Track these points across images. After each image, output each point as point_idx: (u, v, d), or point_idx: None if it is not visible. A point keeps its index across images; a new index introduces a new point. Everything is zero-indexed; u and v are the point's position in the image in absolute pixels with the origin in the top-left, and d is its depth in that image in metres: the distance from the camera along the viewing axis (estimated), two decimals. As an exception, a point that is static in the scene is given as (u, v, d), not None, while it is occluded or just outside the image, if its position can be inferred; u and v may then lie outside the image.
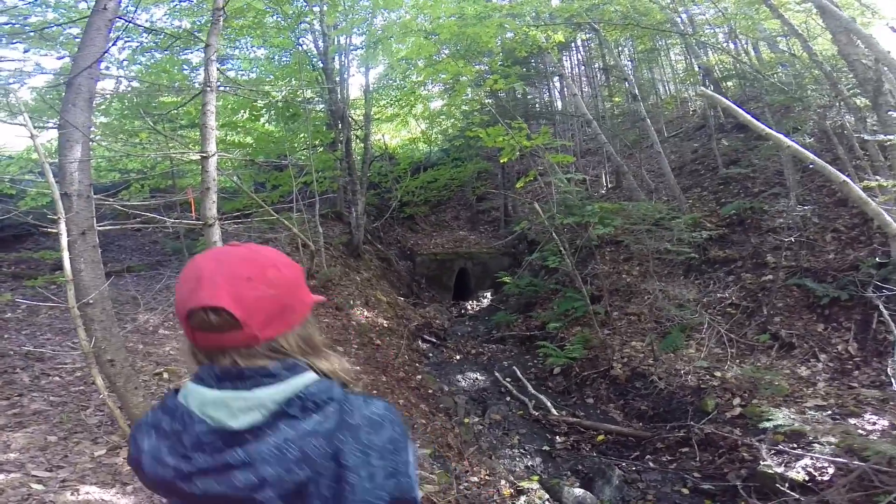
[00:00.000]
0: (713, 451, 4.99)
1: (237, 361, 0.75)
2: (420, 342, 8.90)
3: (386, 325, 7.89)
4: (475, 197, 15.69)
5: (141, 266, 8.97)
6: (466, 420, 5.83)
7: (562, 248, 8.24)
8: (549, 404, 5.89)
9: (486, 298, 12.01)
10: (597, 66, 14.55)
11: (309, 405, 0.72)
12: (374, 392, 5.48)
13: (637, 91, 10.47)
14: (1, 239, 8.34)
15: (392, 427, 0.75)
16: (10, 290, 6.25)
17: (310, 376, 0.77)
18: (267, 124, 12.05)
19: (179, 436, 0.73)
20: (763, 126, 3.07)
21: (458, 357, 7.78)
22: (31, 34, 6.80)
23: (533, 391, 6.26)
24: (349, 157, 11.18)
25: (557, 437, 5.43)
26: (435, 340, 9.11)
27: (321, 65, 11.50)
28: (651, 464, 5.05)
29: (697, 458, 4.96)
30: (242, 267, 0.76)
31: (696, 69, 12.34)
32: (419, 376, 6.63)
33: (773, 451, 4.35)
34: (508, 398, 6.38)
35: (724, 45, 11.72)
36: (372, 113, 12.78)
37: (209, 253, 0.80)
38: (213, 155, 3.56)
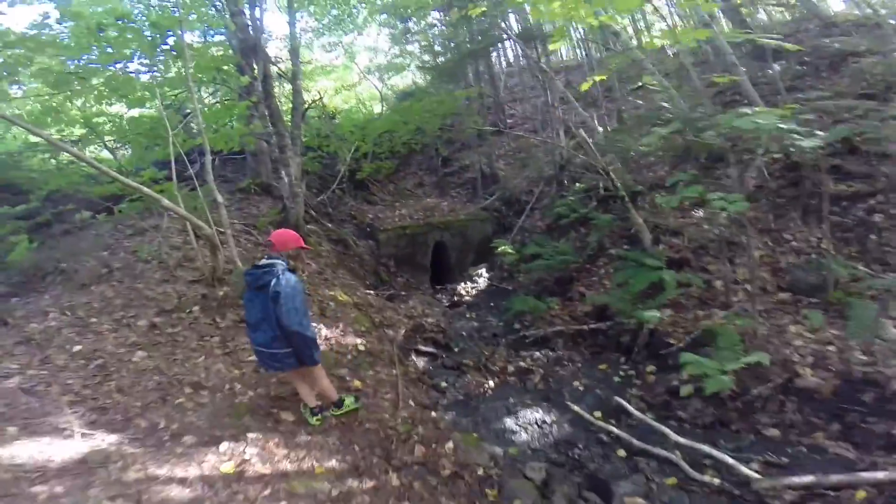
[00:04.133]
0: None
1: (271, 255, 3.11)
2: (414, 356, 5.56)
3: (362, 348, 4.46)
4: (440, 158, 12.25)
5: None
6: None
7: (625, 196, 5.16)
8: (729, 460, 2.86)
9: (482, 277, 8.80)
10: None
11: (271, 267, 2.97)
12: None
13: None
14: None
15: (287, 285, 2.91)
16: None
17: (280, 262, 3.02)
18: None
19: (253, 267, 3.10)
20: None
21: (490, 383, 4.53)
22: None
23: (678, 438, 3.19)
24: (269, 101, 7.28)
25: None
26: (435, 350, 5.81)
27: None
28: None
29: None
30: (278, 233, 3.23)
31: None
32: (449, 444, 3.33)
33: None
34: (621, 451, 3.29)
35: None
36: (300, 48, 8.82)
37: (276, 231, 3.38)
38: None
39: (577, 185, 7.70)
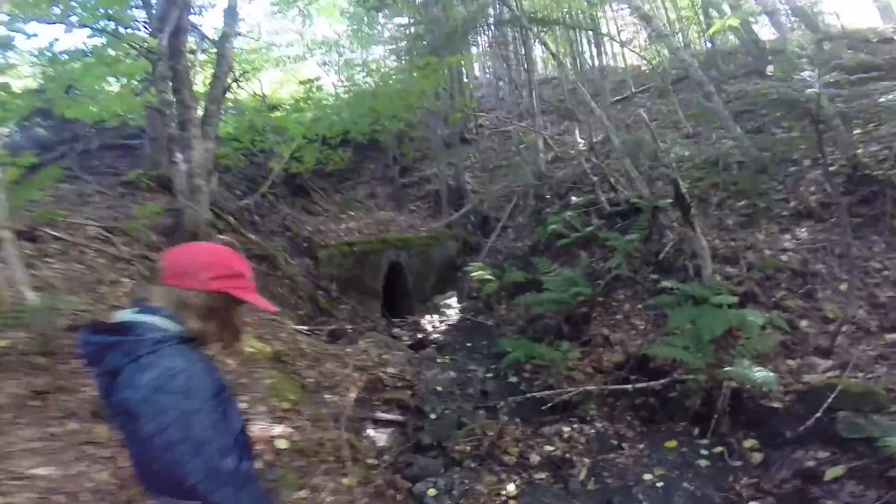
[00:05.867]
0: None
1: (142, 300, 1.15)
2: (372, 430, 3.63)
3: (286, 444, 2.47)
4: (399, 168, 10.54)
5: None
6: None
7: (686, 204, 3.74)
8: None
9: (451, 308, 7.05)
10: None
11: (129, 331, 1.05)
12: None
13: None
14: None
15: (164, 388, 0.99)
16: None
17: (159, 321, 1.07)
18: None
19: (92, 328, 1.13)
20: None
21: (509, 486, 2.70)
22: None
23: None
24: (177, 61, 5.24)
25: None
26: (401, 418, 3.91)
27: None
28: None
29: None
30: (182, 251, 1.15)
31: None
32: None
33: None
34: None
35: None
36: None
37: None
38: None
39: (574, 199, 6.33)
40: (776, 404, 2.94)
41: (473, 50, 14.34)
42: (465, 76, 11.82)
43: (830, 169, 4.51)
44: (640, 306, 4.36)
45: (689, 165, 5.66)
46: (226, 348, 1.21)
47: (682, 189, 3.66)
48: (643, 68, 11.00)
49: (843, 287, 3.64)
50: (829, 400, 2.63)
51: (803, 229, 4.11)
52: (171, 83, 5.22)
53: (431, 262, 8.44)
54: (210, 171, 5.85)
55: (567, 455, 2.95)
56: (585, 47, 11.63)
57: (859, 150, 4.16)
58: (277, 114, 9.90)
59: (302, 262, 7.55)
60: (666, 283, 3.74)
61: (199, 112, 5.86)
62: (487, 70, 14.62)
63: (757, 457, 2.79)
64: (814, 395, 2.87)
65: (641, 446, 2.99)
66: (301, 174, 9.49)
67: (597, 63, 10.74)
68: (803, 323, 3.50)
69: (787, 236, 4.12)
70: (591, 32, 10.17)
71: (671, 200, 4.75)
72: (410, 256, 8.29)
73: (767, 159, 4.92)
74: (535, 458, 2.97)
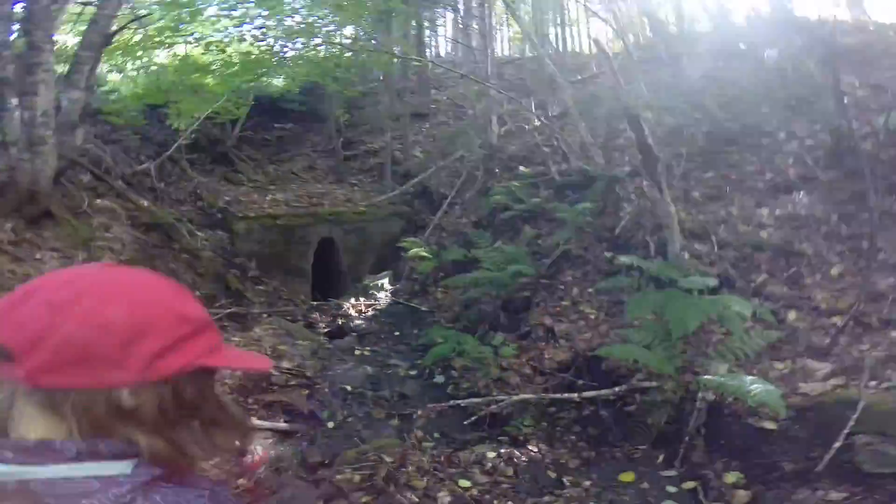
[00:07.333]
0: None
1: None
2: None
3: None
4: (341, 140, 9.26)
5: None
6: None
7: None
8: None
9: (383, 290, 6.04)
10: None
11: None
12: None
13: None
14: None
15: None
16: None
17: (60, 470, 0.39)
18: None
19: None
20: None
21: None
22: None
23: None
24: None
25: None
26: (288, 426, 2.92)
27: None
28: None
29: None
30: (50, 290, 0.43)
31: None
32: None
33: None
34: None
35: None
36: None
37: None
38: None
39: (522, 168, 5.45)
40: (768, 424, 2.15)
41: (440, 30, 13.54)
42: (424, 48, 10.74)
43: (809, 143, 3.82)
44: (590, 290, 3.52)
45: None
46: (227, 452, 0.49)
47: (647, 135, 2.78)
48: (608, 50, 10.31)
49: (835, 271, 2.93)
50: (852, 421, 1.84)
51: (783, 203, 3.38)
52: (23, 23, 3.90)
53: (370, 240, 7.37)
54: (75, 125, 4.59)
55: (487, 495, 2.04)
56: (551, 29, 11.24)
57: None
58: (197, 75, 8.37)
59: (214, 235, 6.32)
60: (624, 260, 2.88)
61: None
62: (450, 51, 14.01)
63: (742, 496, 2.01)
64: (820, 411, 2.10)
65: (588, 482, 2.14)
66: (224, 141, 8.16)
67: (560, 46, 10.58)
68: (791, 315, 2.75)
69: (765, 210, 3.38)
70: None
71: (629, 170, 3.92)
72: (346, 233, 7.19)
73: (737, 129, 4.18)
74: (444, 497, 2.05)
